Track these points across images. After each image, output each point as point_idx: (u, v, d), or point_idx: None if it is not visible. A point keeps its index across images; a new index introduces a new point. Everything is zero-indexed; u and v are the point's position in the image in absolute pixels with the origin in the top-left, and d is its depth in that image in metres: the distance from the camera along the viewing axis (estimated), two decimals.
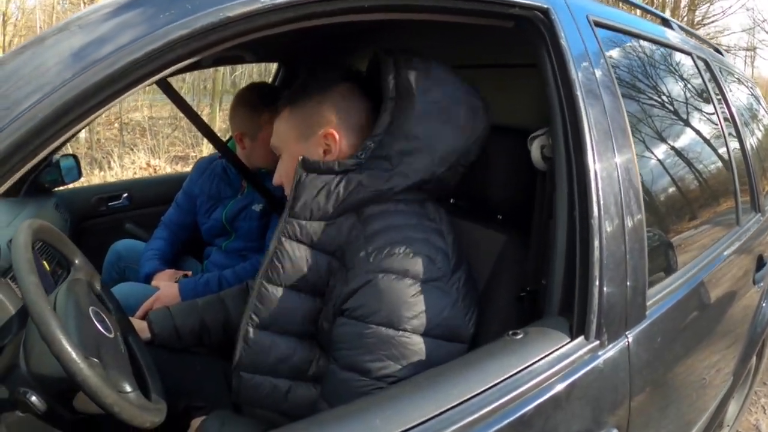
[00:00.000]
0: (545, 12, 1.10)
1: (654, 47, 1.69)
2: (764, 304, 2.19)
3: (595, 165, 1.05)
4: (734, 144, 2.11)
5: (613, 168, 1.10)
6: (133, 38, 0.68)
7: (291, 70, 2.51)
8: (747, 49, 14.98)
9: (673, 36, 1.91)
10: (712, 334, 1.61)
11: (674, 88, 1.79)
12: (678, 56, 1.88)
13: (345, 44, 2.08)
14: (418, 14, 0.99)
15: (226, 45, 0.77)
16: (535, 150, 1.17)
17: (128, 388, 0.96)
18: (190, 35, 0.71)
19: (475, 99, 1.15)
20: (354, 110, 1.15)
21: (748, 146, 2.27)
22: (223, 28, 0.73)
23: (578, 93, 1.08)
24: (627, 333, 1.10)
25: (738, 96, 2.52)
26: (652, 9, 2.53)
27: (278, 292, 1.10)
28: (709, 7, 12.55)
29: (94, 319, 1.04)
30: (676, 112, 1.70)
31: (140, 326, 1.42)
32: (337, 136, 1.12)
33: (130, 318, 1.36)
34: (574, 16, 1.19)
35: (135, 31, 0.69)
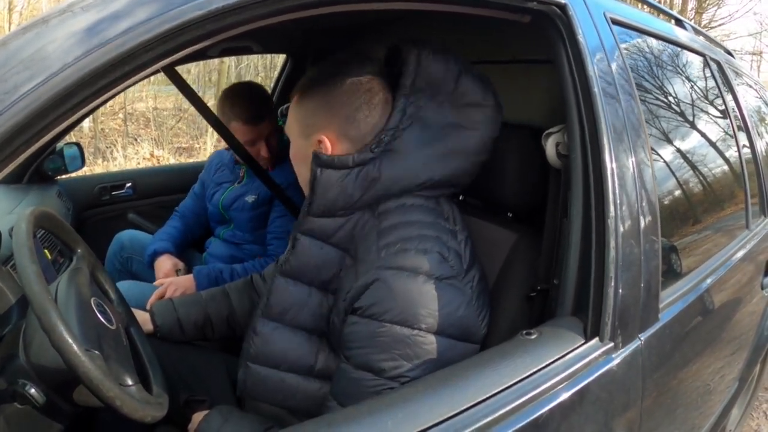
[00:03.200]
0: (562, 7, 1.08)
1: (669, 47, 1.67)
2: None
3: (612, 164, 1.03)
4: (745, 147, 2.09)
5: (628, 167, 1.08)
6: (145, 18, 0.66)
7: (299, 63, 2.49)
8: (753, 54, 14.87)
9: (686, 36, 1.88)
10: (719, 339, 1.59)
11: (688, 88, 1.76)
12: (692, 57, 1.86)
13: (356, 38, 2.05)
14: (432, 4, 0.97)
15: (241, 29, 0.75)
16: (550, 147, 1.14)
17: (129, 381, 0.95)
18: (205, 17, 0.68)
19: (491, 95, 1.12)
20: (360, 118, 1.06)
21: (759, 150, 2.25)
22: (238, 11, 0.71)
23: (595, 90, 1.06)
24: (640, 335, 1.08)
25: (749, 99, 2.50)
26: (665, 8, 2.50)
27: (290, 285, 1.11)
28: (716, 10, 12.49)
29: (95, 309, 1.02)
30: (688, 113, 1.68)
31: (143, 318, 1.41)
32: (329, 146, 1.07)
33: (133, 309, 1.34)
34: (591, 13, 1.17)
35: (147, 11, 0.66)
